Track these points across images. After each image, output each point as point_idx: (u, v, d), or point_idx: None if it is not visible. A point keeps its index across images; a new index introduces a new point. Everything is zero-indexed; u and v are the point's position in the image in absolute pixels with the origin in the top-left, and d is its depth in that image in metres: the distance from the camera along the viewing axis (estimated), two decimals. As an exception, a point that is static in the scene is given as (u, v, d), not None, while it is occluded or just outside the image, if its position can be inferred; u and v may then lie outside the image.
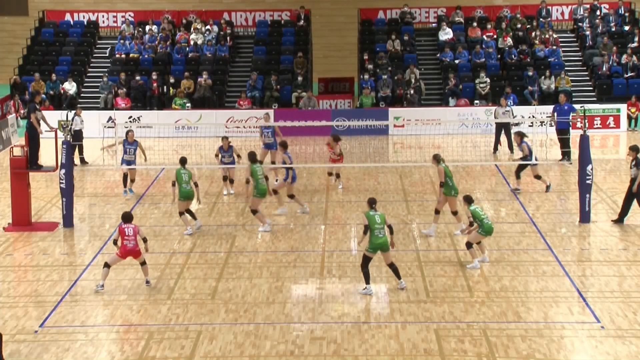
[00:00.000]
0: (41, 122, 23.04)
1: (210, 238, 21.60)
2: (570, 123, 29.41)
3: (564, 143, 29.36)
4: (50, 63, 39.89)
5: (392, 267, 17.75)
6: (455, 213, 21.30)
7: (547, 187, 25.56)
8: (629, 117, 35.29)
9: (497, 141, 31.11)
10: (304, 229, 22.23)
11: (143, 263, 18.25)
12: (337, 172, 26.57)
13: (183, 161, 22.08)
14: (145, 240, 18.16)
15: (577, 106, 30.53)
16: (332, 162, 26.50)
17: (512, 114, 31.08)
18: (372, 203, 17.61)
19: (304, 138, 33.37)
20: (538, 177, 25.48)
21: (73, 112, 29.12)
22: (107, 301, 17.35)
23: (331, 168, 26.60)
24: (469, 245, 19.08)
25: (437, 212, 21.46)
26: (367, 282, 17.58)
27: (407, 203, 24.45)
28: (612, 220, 22.29)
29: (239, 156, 25.57)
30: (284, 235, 21.70)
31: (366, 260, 17.53)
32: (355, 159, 30.59)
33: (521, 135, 25.19)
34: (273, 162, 26.88)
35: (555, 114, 29.34)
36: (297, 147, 32.28)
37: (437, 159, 21.29)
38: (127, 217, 18.39)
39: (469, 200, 19.32)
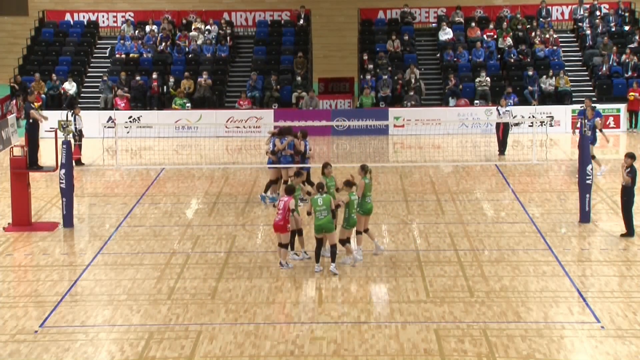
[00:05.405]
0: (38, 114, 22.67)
1: (210, 238, 21.58)
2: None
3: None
4: (50, 63, 39.87)
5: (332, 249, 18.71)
6: (361, 232, 19.55)
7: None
8: (630, 105, 34.90)
9: (501, 142, 30.87)
10: (304, 228, 22.16)
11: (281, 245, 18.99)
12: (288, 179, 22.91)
13: (320, 186, 18.71)
14: (292, 211, 18.70)
15: (577, 106, 30.46)
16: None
17: (512, 115, 31.01)
18: (319, 187, 18.64)
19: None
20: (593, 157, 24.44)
21: (71, 112, 29.04)
22: (107, 301, 17.35)
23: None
24: (343, 242, 19.07)
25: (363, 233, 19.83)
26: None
27: (407, 203, 24.44)
28: (621, 235, 21.22)
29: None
30: (284, 235, 21.65)
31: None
32: (355, 159, 30.55)
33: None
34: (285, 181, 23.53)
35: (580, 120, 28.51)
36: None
37: (364, 169, 19.37)
38: (288, 190, 18.84)
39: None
